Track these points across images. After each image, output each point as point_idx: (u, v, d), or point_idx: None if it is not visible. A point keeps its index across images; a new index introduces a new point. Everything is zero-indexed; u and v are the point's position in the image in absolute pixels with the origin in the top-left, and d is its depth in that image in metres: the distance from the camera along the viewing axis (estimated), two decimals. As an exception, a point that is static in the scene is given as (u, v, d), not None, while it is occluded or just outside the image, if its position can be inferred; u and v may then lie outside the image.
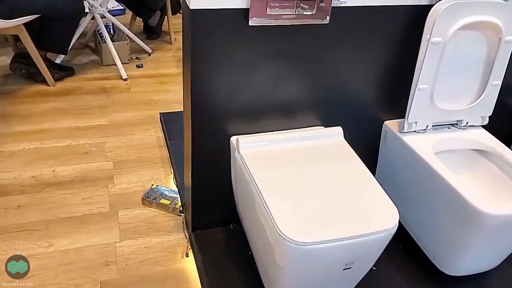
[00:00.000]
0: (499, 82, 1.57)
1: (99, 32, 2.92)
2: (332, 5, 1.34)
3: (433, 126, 1.61)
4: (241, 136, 1.42)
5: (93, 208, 1.83)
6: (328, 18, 1.34)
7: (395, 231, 1.18)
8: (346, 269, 1.19)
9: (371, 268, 1.57)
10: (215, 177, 1.57)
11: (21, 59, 2.62)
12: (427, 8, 1.42)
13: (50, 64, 2.71)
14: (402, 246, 1.69)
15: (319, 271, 1.19)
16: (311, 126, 1.54)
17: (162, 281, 1.56)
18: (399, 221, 1.18)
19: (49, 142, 2.19)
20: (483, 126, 1.66)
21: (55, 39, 2.61)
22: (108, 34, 2.90)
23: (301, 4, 1.29)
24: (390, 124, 1.63)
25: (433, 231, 1.52)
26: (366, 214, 1.19)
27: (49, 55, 2.75)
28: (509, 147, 1.59)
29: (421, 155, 1.49)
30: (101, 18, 2.91)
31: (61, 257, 1.61)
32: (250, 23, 1.28)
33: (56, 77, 2.68)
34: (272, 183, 1.27)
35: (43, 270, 1.56)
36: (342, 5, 1.35)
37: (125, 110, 2.51)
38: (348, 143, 1.52)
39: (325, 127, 1.56)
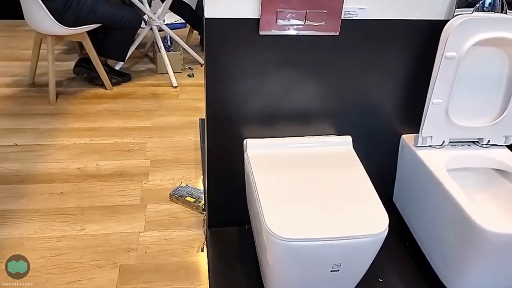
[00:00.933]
0: (523, 101, 1.53)
1: (156, 42, 3.15)
2: (343, 17, 1.39)
3: (452, 142, 1.60)
4: (250, 139, 1.50)
5: (125, 200, 1.99)
6: (338, 30, 1.40)
7: (383, 237, 1.20)
8: (334, 271, 1.22)
9: (378, 279, 1.58)
10: (230, 178, 1.66)
11: (84, 64, 2.89)
12: (445, 22, 1.43)
13: (110, 69, 2.96)
14: (415, 262, 1.67)
15: (305, 270, 1.23)
16: (325, 135, 1.59)
17: (175, 271, 1.66)
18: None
19: (98, 139, 2.41)
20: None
21: (115, 47, 2.86)
22: (165, 45, 3.12)
23: (310, 16, 1.36)
24: (407, 138, 1.64)
25: (440, 247, 1.50)
26: (356, 219, 1.22)
27: (109, 61, 3.01)
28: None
29: (431, 170, 1.49)
30: (159, 30, 3.14)
31: (90, 240, 1.77)
32: (260, 33, 1.37)
33: (114, 82, 2.93)
34: (271, 184, 1.33)
35: (72, 249, 1.73)
36: (354, 17, 1.41)
37: (171, 114, 2.68)
38: (363, 154, 1.55)
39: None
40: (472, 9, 1.43)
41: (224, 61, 1.42)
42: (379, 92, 1.57)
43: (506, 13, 1.44)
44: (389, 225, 1.81)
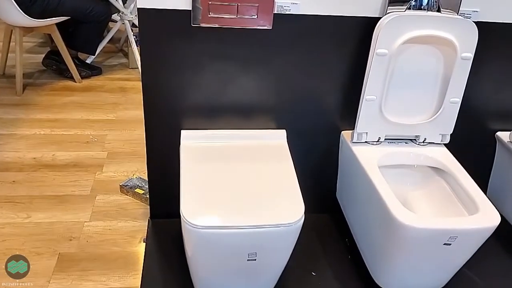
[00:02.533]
0: (458, 100, 1.54)
1: (128, 37, 3.16)
2: (276, 12, 1.41)
3: (388, 139, 1.61)
4: (185, 130, 1.52)
5: (76, 190, 2.00)
6: (271, 24, 1.42)
7: (297, 227, 1.21)
8: (251, 260, 1.24)
9: (311, 273, 1.60)
10: (170, 170, 1.67)
11: (53, 56, 2.91)
12: (378, 20, 1.44)
13: (80, 63, 2.98)
14: (351, 257, 1.68)
15: (222, 259, 1.24)
16: (263, 129, 1.60)
17: (113, 260, 1.67)
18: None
19: (58, 130, 2.42)
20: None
21: (84, 40, 2.88)
22: (137, 40, 3.13)
23: (241, 10, 1.37)
24: (346, 134, 1.65)
25: (369, 243, 1.52)
26: (271, 209, 1.23)
27: (81, 55, 3.03)
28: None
29: (363, 165, 1.50)
30: (132, 25, 3.15)
31: (34, 228, 1.78)
32: (192, 24, 1.38)
33: (83, 75, 2.94)
34: (196, 174, 1.35)
35: (15, 236, 1.74)
36: (287, 12, 1.42)
37: (136, 108, 2.68)
38: (304, 148, 1.57)
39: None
40: (405, 6, 1.45)
41: (159, 52, 1.44)
42: (317, 87, 1.59)
43: (440, 11, 1.46)
44: (331, 220, 1.85)
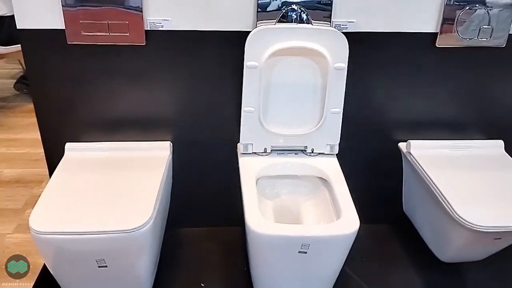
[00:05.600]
0: (339, 110, 1.55)
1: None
2: (148, 28, 1.48)
3: (278, 150, 1.63)
4: (70, 142, 1.59)
5: (9, 204, 2.11)
6: (143, 40, 1.48)
7: (142, 233, 1.23)
8: (102, 266, 1.27)
9: (200, 284, 1.62)
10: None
11: (24, 80, 3.09)
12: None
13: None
14: (247, 269, 1.69)
15: (72, 265, 1.28)
16: (153, 141, 1.65)
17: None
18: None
19: (13, 149, 2.55)
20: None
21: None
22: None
23: (113, 27, 1.45)
24: (239, 145, 1.68)
25: (247, 252, 1.52)
26: (119, 216, 1.26)
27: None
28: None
29: (242, 176, 1.52)
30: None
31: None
32: (68, 43, 1.47)
33: (53, 98, 3.10)
34: (65, 184, 1.42)
35: None
36: (160, 28, 1.49)
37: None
38: (201, 160, 1.63)
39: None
40: (275, 20, 1.48)
41: (42, 69, 1.53)
42: (204, 100, 1.63)
43: (311, 23, 1.49)
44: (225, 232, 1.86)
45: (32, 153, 2.52)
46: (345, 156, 1.64)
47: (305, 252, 1.30)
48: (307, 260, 1.32)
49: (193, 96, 1.63)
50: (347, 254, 1.37)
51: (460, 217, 1.32)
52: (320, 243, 1.29)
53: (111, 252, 1.26)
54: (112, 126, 1.64)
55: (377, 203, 1.93)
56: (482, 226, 1.29)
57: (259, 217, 1.32)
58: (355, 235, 1.31)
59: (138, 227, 1.23)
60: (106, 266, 1.27)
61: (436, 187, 1.46)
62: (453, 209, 1.36)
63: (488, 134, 1.74)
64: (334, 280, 1.48)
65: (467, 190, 1.46)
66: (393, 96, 1.67)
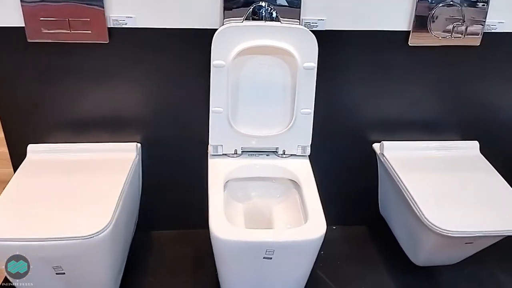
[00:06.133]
0: (310, 111, 1.51)
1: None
2: (112, 26, 1.43)
3: (249, 151, 1.58)
4: (34, 144, 1.54)
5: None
6: (106, 38, 1.43)
7: (99, 240, 1.19)
8: (59, 273, 1.23)
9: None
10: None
11: None
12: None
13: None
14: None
15: (33, 271, 1.23)
16: (119, 142, 1.61)
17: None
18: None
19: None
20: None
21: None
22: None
23: (74, 25, 1.40)
24: (209, 147, 1.63)
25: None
26: (74, 221, 1.22)
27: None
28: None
29: (210, 179, 1.48)
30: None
31: None
32: (28, 40, 1.42)
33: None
34: (25, 187, 1.37)
35: None
36: (123, 26, 1.44)
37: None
38: (169, 162, 1.61)
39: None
40: (242, 18, 1.44)
41: (2, 69, 1.47)
42: (173, 100, 1.59)
43: (279, 21, 1.44)
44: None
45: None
46: (319, 158, 1.61)
47: (270, 258, 1.26)
48: (273, 266, 1.29)
49: (161, 96, 1.58)
50: (315, 258, 1.34)
51: (428, 221, 1.29)
52: (285, 249, 1.26)
53: (68, 259, 1.21)
54: (78, 127, 1.59)
55: (353, 205, 1.89)
56: (450, 231, 1.26)
57: (223, 222, 1.28)
58: (321, 240, 1.27)
59: (96, 233, 1.18)
60: (64, 273, 1.23)
61: (407, 189, 1.43)
62: (422, 212, 1.32)
63: (464, 135, 1.71)
64: (304, 285, 1.44)
65: (439, 192, 1.43)
66: (366, 96, 1.63)
